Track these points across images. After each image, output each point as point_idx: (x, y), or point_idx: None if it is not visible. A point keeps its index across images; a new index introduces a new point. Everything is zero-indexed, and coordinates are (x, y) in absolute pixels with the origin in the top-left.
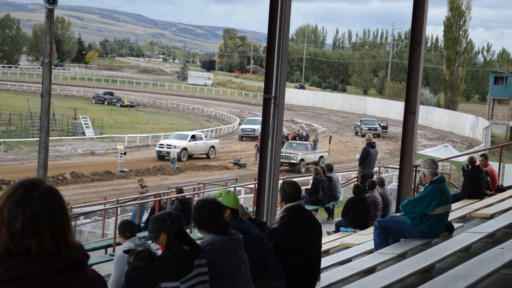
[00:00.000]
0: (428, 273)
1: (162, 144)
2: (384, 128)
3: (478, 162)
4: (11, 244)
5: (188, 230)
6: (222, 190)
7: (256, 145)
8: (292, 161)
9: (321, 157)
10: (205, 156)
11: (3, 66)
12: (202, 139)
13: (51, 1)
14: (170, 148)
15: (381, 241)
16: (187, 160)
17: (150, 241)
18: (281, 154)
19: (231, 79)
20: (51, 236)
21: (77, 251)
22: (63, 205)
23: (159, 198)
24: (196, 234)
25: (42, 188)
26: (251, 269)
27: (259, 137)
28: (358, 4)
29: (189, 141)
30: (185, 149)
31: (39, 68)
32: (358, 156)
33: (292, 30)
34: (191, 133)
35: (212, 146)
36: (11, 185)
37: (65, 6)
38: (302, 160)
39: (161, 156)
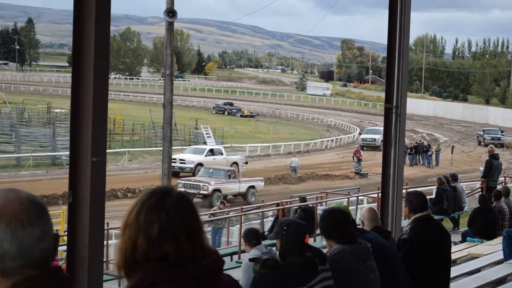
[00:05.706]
0: None
1: (175, 159)
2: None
3: None
4: (150, 249)
5: (311, 239)
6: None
7: (353, 155)
8: (202, 191)
9: (252, 187)
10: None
11: (125, 78)
12: (222, 154)
13: (170, 14)
14: (183, 163)
15: (511, 252)
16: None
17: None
18: (190, 182)
19: (350, 89)
20: (187, 240)
21: (213, 256)
22: (195, 211)
23: (282, 207)
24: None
25: (174, 194)
26: (380, 280)
27: (358, 148)
28: (477, 13)
29: (206, 155)
30: (200, 164)
31: (159, 79)
32: (481, 168)
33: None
34: (208, 147)
35: (235, 162)
36: (143, 192)
37: (184, 19)
38: (216, 190)
39: (174, 173)
